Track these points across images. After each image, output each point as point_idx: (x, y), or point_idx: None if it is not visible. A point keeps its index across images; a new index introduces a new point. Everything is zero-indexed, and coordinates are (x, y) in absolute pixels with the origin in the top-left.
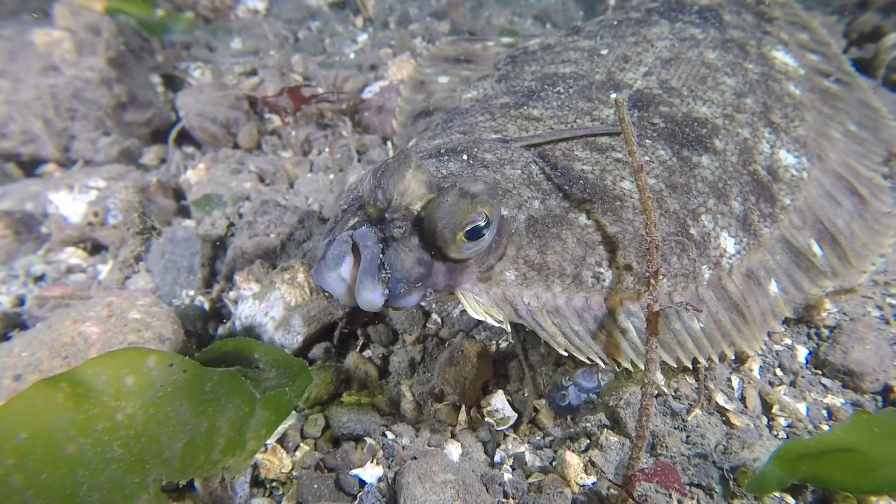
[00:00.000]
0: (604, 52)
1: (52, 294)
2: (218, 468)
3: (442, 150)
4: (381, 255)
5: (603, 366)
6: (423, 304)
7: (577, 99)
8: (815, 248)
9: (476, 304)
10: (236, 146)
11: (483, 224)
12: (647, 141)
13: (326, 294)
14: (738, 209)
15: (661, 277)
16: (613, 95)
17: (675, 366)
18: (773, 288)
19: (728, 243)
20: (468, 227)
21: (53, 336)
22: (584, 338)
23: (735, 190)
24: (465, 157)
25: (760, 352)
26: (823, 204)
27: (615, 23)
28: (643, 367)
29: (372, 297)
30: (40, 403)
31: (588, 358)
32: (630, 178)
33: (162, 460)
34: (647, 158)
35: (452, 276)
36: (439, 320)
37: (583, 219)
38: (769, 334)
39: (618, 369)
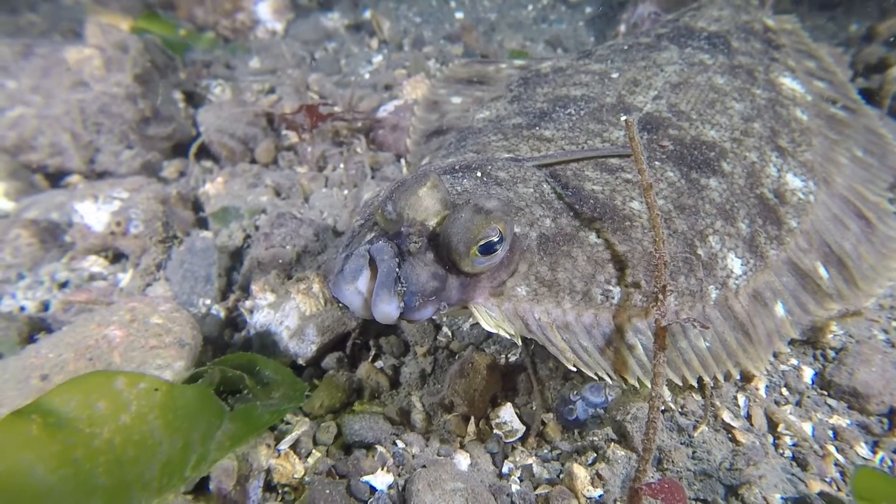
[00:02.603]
0: (614, 75)
1: (77, 299)
2: (189, 483)
3: (456, 168)
4: (397, 269)
5: (610, 382)
6: (434, 317)
7: (587, 121)
8: (822, 271)
9: (489, 317)
10: (253, 161)
11: (496, 239)
12: (656, 163)
13: (341, 306)
14: (744, 231)
15: (668, 293)
16: (623, 117)
17: (681, 384)
18: (779, 309)
19: (735, 264)
20: (482, 242)
21: (79, 338)
22: (592, 354)
23: (742, 212)
24: (479, 174)
25: (766, 372)
26: (830, 227)
27: (626, 47)
28: (650, 384)
29: (388, 309)
30: (14, 437)
31: (596, 374)
32: (639, 199)
33: (143, 483)
34: (656, 177)
35: (466, 291)
36: (450, 333)
37: (593, 237)
38: (775, 354)
39: (625, 386)
